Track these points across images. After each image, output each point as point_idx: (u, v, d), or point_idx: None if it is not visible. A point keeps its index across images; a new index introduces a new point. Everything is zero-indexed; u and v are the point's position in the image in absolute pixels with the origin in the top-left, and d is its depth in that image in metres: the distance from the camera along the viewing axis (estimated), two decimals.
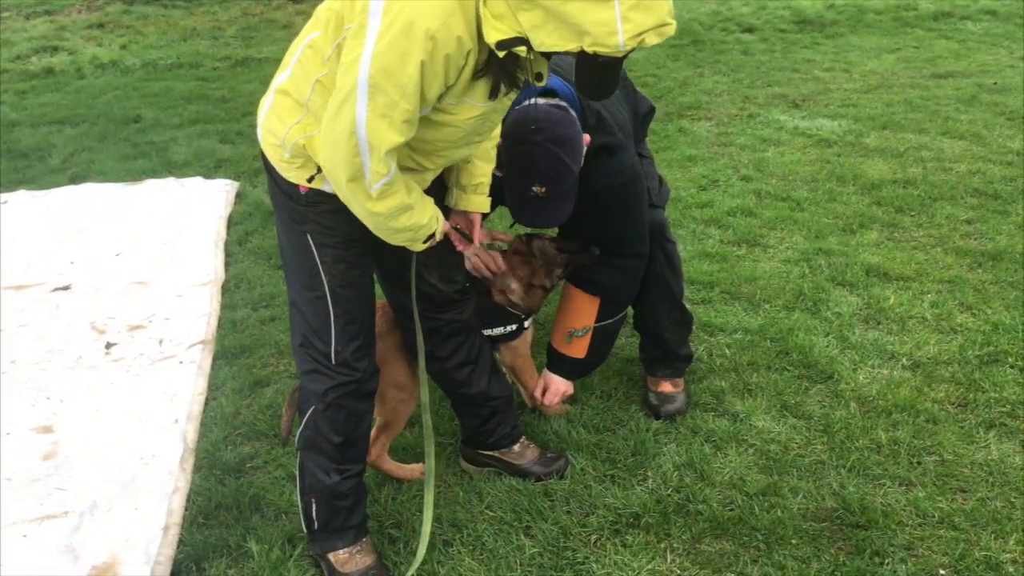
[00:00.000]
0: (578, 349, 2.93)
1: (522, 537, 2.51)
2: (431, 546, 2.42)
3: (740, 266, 4.05)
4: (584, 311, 2.89)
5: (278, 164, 2.12)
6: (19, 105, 7.47)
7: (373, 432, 2.54)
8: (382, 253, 2.29)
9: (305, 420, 2.34)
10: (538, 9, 1.71)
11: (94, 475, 2.82)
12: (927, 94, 6.86)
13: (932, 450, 2.80)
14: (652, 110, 3.03)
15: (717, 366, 3.29)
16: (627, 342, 3.45)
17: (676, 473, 2.73)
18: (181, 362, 3.44)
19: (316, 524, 2.39)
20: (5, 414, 3.14)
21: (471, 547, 2.49)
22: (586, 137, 2.52)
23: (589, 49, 1.72)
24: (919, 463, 2.75)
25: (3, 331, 3.71)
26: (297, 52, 2.07)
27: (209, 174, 5.56)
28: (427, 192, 2.19)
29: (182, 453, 2.90)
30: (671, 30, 1.73)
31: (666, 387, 3.07)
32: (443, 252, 2.37)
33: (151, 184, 5.39)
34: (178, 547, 2.54)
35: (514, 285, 2.83)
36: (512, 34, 1.77)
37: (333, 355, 2.26)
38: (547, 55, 1.87)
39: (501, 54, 1.82)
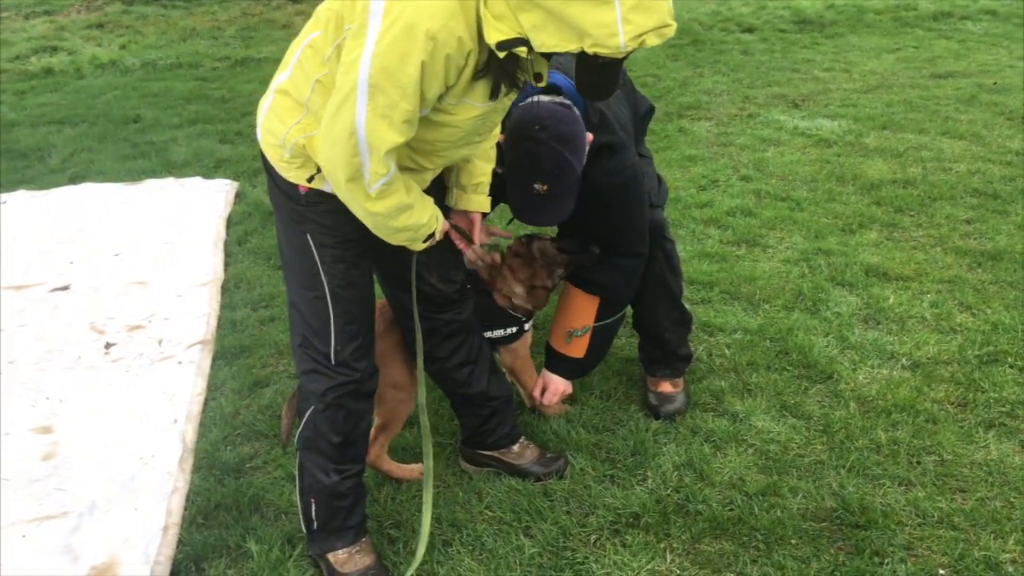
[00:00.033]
0: (577, 349, 2.93)
1: (521, 537, 2.51)
2: (430, 546, 2.42)
3: (740, 266, 4.05)
4: (583, 311, 2.89)
5: (278, 164, 2.12)
6: (18, 105, 7.46)
7: (372, 432, 2.54)
8: (382, 253, 2.29)
9: (304, 420, 2.34)
10: (539, 10, 1.71)
11: (93, 475, 2.82)
12: (927, 94, 6.86)
13: (932, 450, 2.80)
14: (652, 109, 3.03)
15: (716, 366, 3.29)
16: (626, 342, 3.45)
17: (676, 473, 2.73)
18: (180, 362, 3.44)
19: (315, 524, 2.39)
20: (4, 414, 3.14)
21: (470, 547, 2.48)
22: (588, 136, 2.52)
23: (590, 50, 1.72)
24: (919, 463, 2.75)
25: (3, 331, 3.71)
26: (297, 52, 2.07)
27: (208, 174, 5.56)
28: (427, 192, 2.19)
29: (181, 453, 2.90)
30: (671, 31, 1.74)
31: (666, 387, 3.07)
32: (443, 252, 2.37)
33: (150, 184, 5.39)
34: (177, 547, 2.54)
35: (517, 289, 2.83)
36: (513, 35, 1.77)
37: (332, 355, 2.26)
38: (547, 56, 1.87)
39: (501, 55, 1.82)
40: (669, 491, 2.66)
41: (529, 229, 3.79)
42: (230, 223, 4.81)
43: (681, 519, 2.54)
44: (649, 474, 2.74)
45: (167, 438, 2.98)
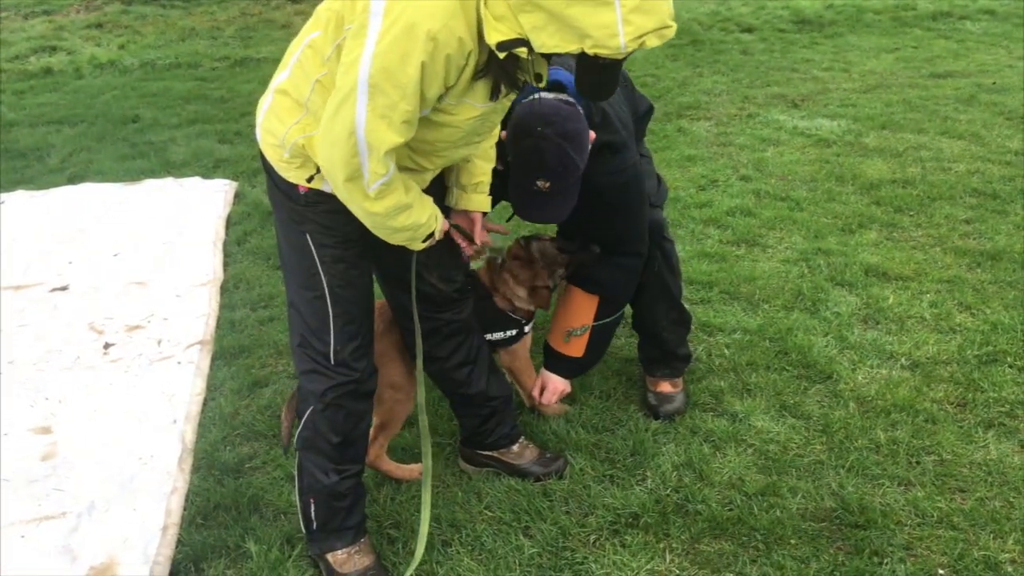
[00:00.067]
0: (576, 348, 2.93)
1: (521, 537, 2.51)
2: (430, 546, 2.42)
3: (739, 266, 4.05)
4: (583, 310, 2.89)
5: (277, 164, 2.12)
6: (17, 105, 7.46)
7: (371, 432, 2.54)
8: (381, 253, 2.28)
9: (304, 420, 2.33)
10: (539, 11, 1.71)
11: (92, 475, 2.82)
12: (926, 94, 6.86)
13: (931, 450, 2.80)
14: (651, 109, 3.03)
15: (716, 366, 3.29)
16: (626, 342, 3.45)
17: (675, 473, 2.73)
18: (179, 362, 3.43)
19: (315, 524, 2.39)
20: (4, 414, 3.14)
21: (470, 547, 2.48)
22: (591, 134, 2.52)
23: (590, 51, 1.72)
24: (918, 463, 2.75)
25: (2, 331, 3.71)
26: (296, 52, 2.06)
27: (208, 174, 5.56)
28: (427, 191, 2.19)
29: (180, 453, 2.90)
30: (671, 32, 1.74)
31: (665, 387, 3.07)
32: (442, 252, 2.37)
33: (150, 184, 5.39)
34: (176, 547, 2.54)
35: (519, 291, 2.83)
36: (513, 35, 1.77)
37: (332, 355, 2.26)
38: (547, 56, 1.87)
39: (502, 55, 1.82)
40: (668, 491, 2.66)
41: (528, 228, 3.80)
42: (229, 223, 4.81)
43: (680, 519, 2.54)
44: (648, 474, 2.74)
45: (166, 438, 2.98)
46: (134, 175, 5.59)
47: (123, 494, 2.73)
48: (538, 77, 1.94)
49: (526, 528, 2.55)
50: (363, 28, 1.80)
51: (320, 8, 2.03)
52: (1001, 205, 4.64)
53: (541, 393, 2.98)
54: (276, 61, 2.18)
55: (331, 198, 2.07)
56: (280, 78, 2.10)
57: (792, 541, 2.46)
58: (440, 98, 1.93)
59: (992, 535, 2.45)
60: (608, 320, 2.91)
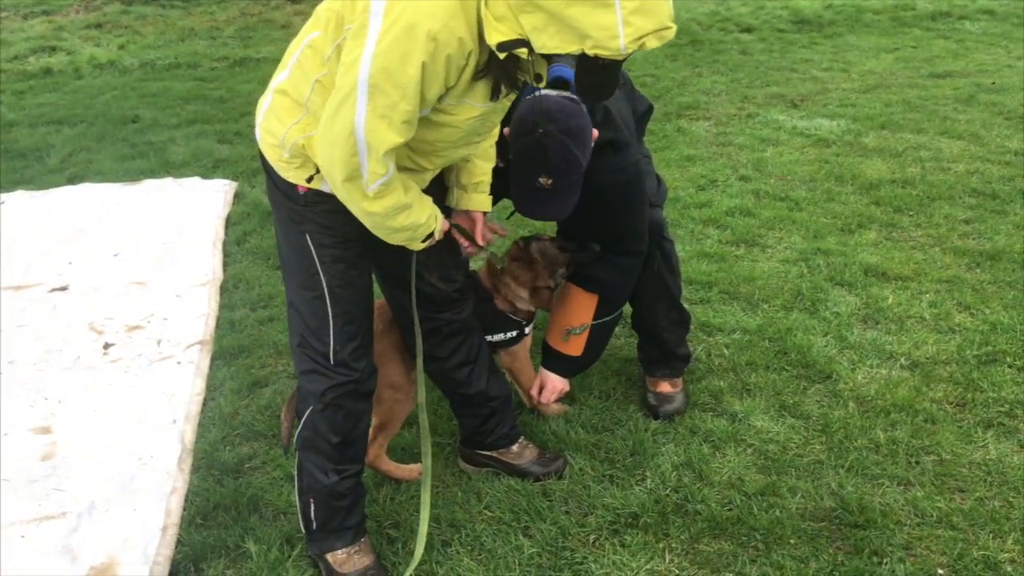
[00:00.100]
0: (575, 347, 2.93)
1: (520, 537, 2.51)
2: (429, 546, 2.42)
3: (738, 266, 4.05)
4: (582, 309, 2.89)
5: (277, 164, 2.12)
6: (17, 105, 7.46)
7: (370, 432, 2.54)
8: (381, 253, 2.28)
9: (303, 420, 2.33)
10: (540, 12, 1.71)
11: (92, 476, 2.82)
12: (925, 94, 6.87)
13: (930, 450, 2.80)
14: (650, 109, 3.03)
15: (715, 366, 3.29)
16: (625, 342, 3.45)
17: (675, 473, 2.73)
18: (179, 362, 3.43)
19: (314, 524, 2.39)
20: (4, 414, 3.14)
21: (469, 547, 2.48)
22: (594, 132, 2.52)
23: (590, 52, 1.72)
24: (917, 463, 2.75)
25: (2, 331, 3.71)
26: (296, 52, 2.06)
27: (207, 174, 5.56)
28: (426, 191, 2.19)
29: (180, 453, 2.90)
30: (671, 33, 1.74)
31: (664, 387, 3.07)
32: (442, 251, 2.37)
33: (149, 184, 5.39)
34: (176, 547, 2.54)
35: (522, 292, 2.83)
36: (513, 36, 1.77)
37: (331, 355, 2.26)
38: (548, 57, 1.87)
39: (502, 56, 1.82)
40: (668, 491, 2.66)
41: (527, 228, 3.80)
42: (229, 223, 4.81)
43: (680, 519, 2.54)
44: (648, 474, 2.74)
45: (166, 438, 2.98)
46: (134, 175, 5.59)
47: (123, 494, 2.73)
48: (538, 77, 1.94)
49: (526, 528, 2.55)
50: (363, 28, 1.80)
51: (320, 8, 2.03)
52: (1000, 205, 4.64)
53: (540, 392, 2.98)
54: (275, 61, 2.19)
55: (331, 198, 2.07)
56: (280, 78, 2.10)
57: (792, 541, 2.46)
58: (440, 98, 1.93)
59: (991, 535, 2.45)
60: (607, 319, 2.91)
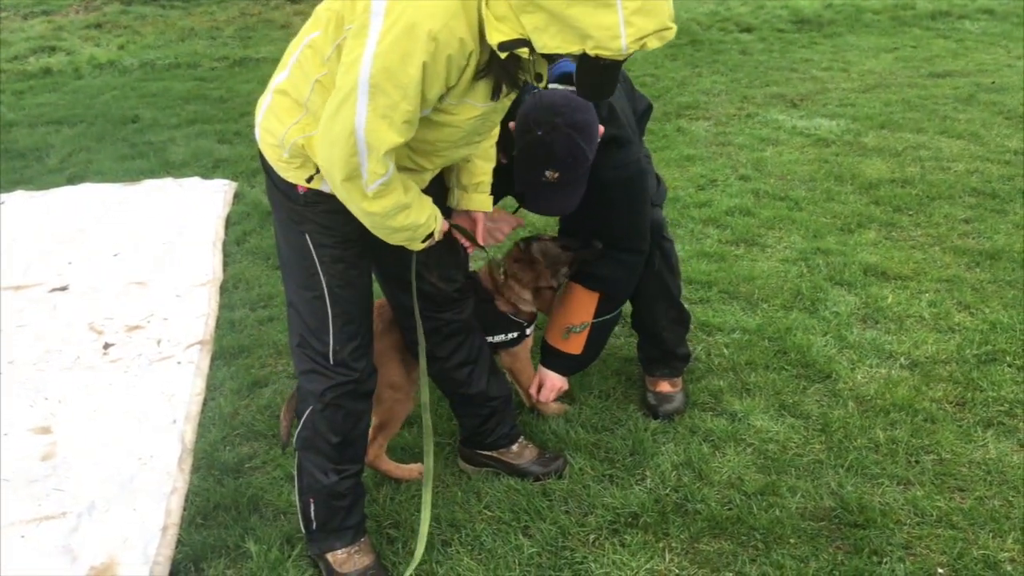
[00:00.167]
0: (575, 345, 2.93)
1: (520, 537, 2.51)
2: (429, 546, 2.42)
3: (738, 265, 4.05)
4: (583, 307, 2.88)
5: (276, 164, 2.12)
6: (17, 105, 7.46)
7: (370, 432, 2.54)
8: (381, 253, 2.28)
9: (303, 420, 2.33)
10: (541, 12, 1.71)
11: (92, 476, 2.82)
12: (925, 93, 6.87)
13: (930, 449, 2.80)
14: (650, 108, 3.03)
15: (715, 365, 3.29)
16: (625, 342, 3.45)
17: (674, 472, 2.73)
18: (179, 362, 3.43)
19: (314, 524, 2.39)
20: (4, 414, 3.14)
21: (469, 547, 2.49)
22: (600, 128, 2.53)
23: (591, 52, 1.73)
24: (917, 462, 2.76)
25: (2, 331, 3.71)
26: (296, 52, 2.06)
27: (207, 174, 5.56)
28: (427, 192, 2.19)
29: (180, 453, 2.90)
30: (672, 34, 1.74)
31: (664, 387, 3.07)
32: (443, 251, 2.37)
33: (149, 184, 5.39)
34: (176, 547, 2.54)
35: (525, 294, 2.83)
36: (514, 36, 1.78)
37: (331, 355, 2.26)
38: (549, 56, 1.87)
39: (503, 55, 1.82)
40: (668, 490, 2.66)
41: (527, 226, 3.80)
42: (229, 223, 4.82)
43: (680, 518, 2.55)
44: (648, 473, 2.74)
45: (166, 438, 2.98)
46: (134, 175, 5.59)
47: (123, 494, 2.73)
48: (538, 77, 1.95)
49: (526, 528, 2.55)
50: (364, 28, 1.80)
51: (319, 8, 2.03)
52: (1000, 204, 4.65)
53: (539, 391, 2.98)
54: (275, 61, 2.18)
55: (330, 198, 2.07)
56: (279, 78, 2.10)
57: (791, 540, 2.46)
58: (441, 98, 1.93)
59: (991, 534, 2.45)
60: (607, 317, 2.92)
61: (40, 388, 3.30)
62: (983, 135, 5.78)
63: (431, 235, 2.18)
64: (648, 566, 2.38)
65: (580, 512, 2.60)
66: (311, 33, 2.03)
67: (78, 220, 4.83)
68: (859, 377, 3.18)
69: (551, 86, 2.49)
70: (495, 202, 2.50)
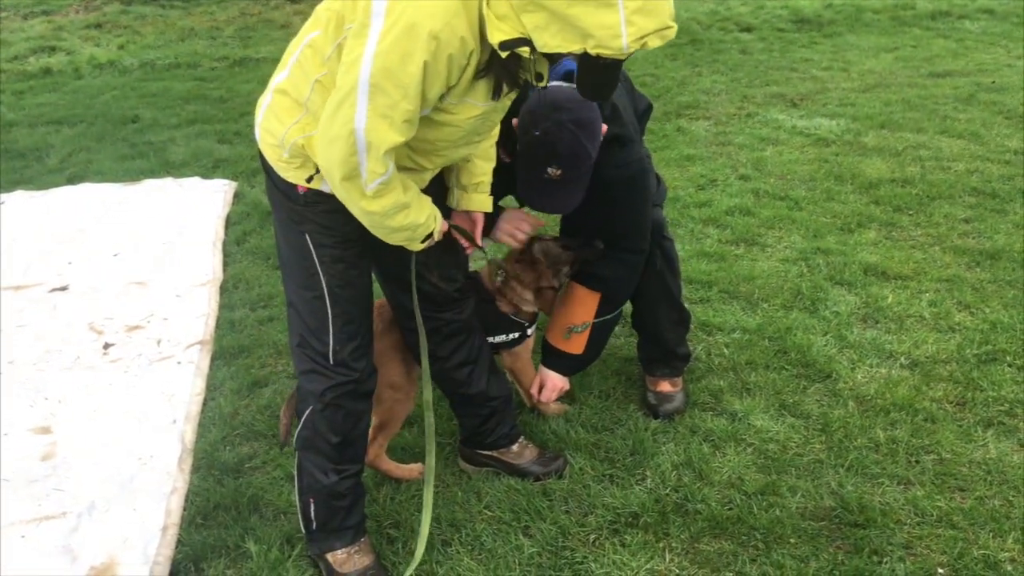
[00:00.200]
0: (576, 345, 2.92)
1: (521, 537, 2.51)
2: (429, 546, 2.41)
3: (738, 265, 4.05)
4: (584, 307, 2.88)
5: (276, 164, 2.12)
6: (17, 105, 7.46)
7: (370, 432, 2.54)
8: (381, 253, 2.28)
9: (303, 420, 2.33)
10: (542, 11, 1.71)
11: (92, 476, 2.82)
12: (925, 93, 6.86)
13: (930, 449, 2.80)
14: (649, 108, 3.03)
15: (715, 365, 3.29)
16: (625, 341, 3.45)
17: (675, 472, 2.73)
18: (179, 362, 3.43)
19: (314, 524, 2.39)
20: (4, 414, 3.14)
21: (470, 547, 2.48)
22: (603, 126, 2.52)
23: (592, 51, 1.72)
24: (917, 462, 2.75)
25: (2, 332, 3.71)
26: (296, 52, 2.06)
27: (207, 174, 5.56)
28: (426, 191, 2.19)
29: (180, 453, 2.90)
30: (672, 33, 1.74)
31: (664, 386, 3.07)
32: (443, 251, 2.37)
33: (149, 184, 5.39)
34: (176, 547, 2.54)
35: (527, 295, 2.83)
36: (515, 35, 1.77)
37: (331, 355, 2.26)
38: (549, 55, 1.87)
39: (504, 55, 1.82)
40: (668, 490, 2.66)
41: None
42: (229, 223, 4.81)
43: (680, 518, 2.54)
44: (648, 473, 2.74)
45: (166, 438, 2.98)
46: (134, 175, 5.59)
47: (123, 494, 2.73)
48: (539, 76, 1.95)
49: (526, 528, 2.55)
50: (364, 28, 1.80)
51: (319, 8, 2.03)
52: (1000, 204, 4.64)
53: (540, 391, 2.98)
54: (275, 61, 2.18)
55: (330, 198, 2.06)
56: (279, 78, 2.10)
57: (792, 540, 2.46)
58: (441, 97, 1.93)
59: (992, 534, 2.45)
60: (608, 317, 2.91)
61: (40, 388, 3.30)
62: (983, 135, 5.78)
63: (430, 235, 2.18)
64: (648, 566, 2.38)
65: (580, 512, 2.60)
66: (311, 33, 2.03)
67: (78, 220, 4.83)
68: (859, 377, 3.18)
69: (556, 83, 2.49)
70: (496, 201, 2.50)
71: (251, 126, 2.94)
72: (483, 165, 2.38)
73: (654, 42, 1.72)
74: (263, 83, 2.25)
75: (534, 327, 2.94)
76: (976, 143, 5.64)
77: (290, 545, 2.51)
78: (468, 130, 2.07)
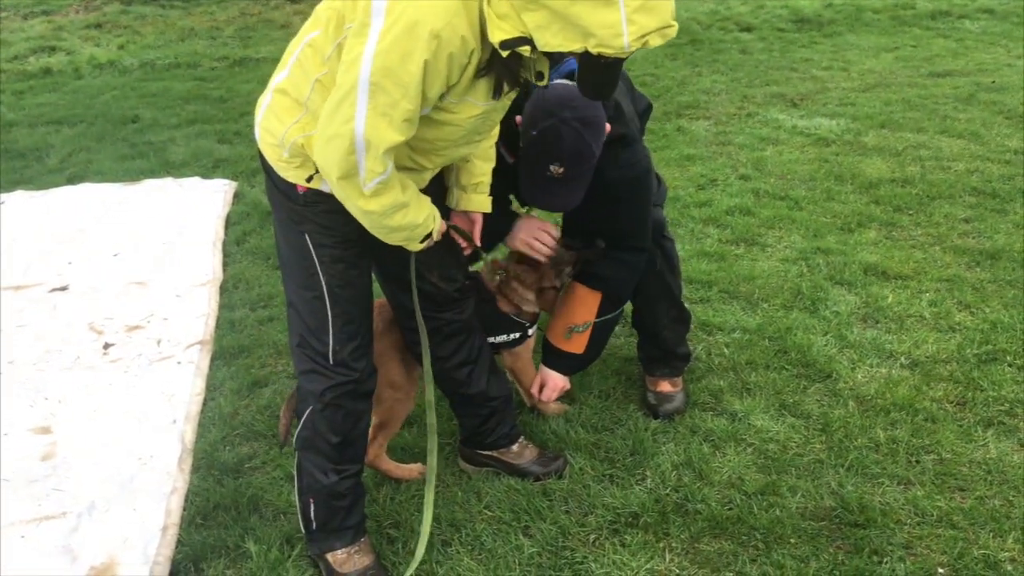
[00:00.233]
0: (577, 344, 2.92)
1: (521, 537, 2.51)
2: (430, 546, 2.41)
3: (738, 265, 4.05)
4: (586, 307, 2.88)
5: (276, 164, 2.12)
6: (17, 105, 7.46)
7: (370, 432, 2.54)
8: (381, 252, 2.28)
9: (303, 420, 2.33)
10: (543, 10, 1.71)
11: (92, 476, 2.82)
12: (925, 93, 6.86)
13: (931, 449, 2.80)
14: (649, 107, 3.03)
15: (715, 365, 3.29)
16: (625, 341, 3.45)
17: (675, 472, 2.73)
18: (179, 362, 3.43)
19: (314, 524, 2.39)
20: (4, 414, 3.14)
21: (470, 547, 2.48)
22: (607, 126, 2.52)
23: (594, 50, 1.72)
24: (918, 462, 2.75)
25: (2, 331, 3.71)
26: (296, 52, 2.06)
27: (207, 174, 5.56)
28: (425, 192, 2.19)
29: (180, 453, 2.90)
30: (673, 32, 1.74)
31: (664, 386, 3.07)
32: (443, 251, 2.37)
33: (149, 184, 5.39)
34: (176, 547, 2.54)
35: (528, 295, 2.82)
36: (516, 34, 1.77)
37: (331, 355, 2.26)
38: (551, 54, 1.87)
39: (505, 54, 1.82)
40: (668, 490, 2.66)
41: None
42: (228, 223, 4.81)
43: (680, 518, 2.54)
44: (648, 473, 2.74)
45: (166, 438, 2.98)
46: (134, 175, 5.59)
47: (123, 494, 2.73)
48: (539, 75, 1.94)
49: (526, 528, 2.55)
50: (365, 27, 1.80)
51: (320, 8, 2.03)
52: (1000, 204, 4.64)
53: (540, 390, 2.97)
54: (275, 61, 2.18)
55: (330, 198, 2.06)
56: (279, 77, 2.10)
57: (792, 540, 2.46)
58: (442, 97, 1.93)
59: (992, 534, 2.45)
60: (609, 316, 2.91)
61: (40, 388, 3.30)
62: (983, 134, 5.78)
63: (429, 235, 2.18)
64: (648, 566, 2.38)
65: (580, 512, 2.60)
66: (311, 32, 2.02)
67: (78, 220, 4.83)
68: (859, 377, 3.18)
69: (561, 81, 2.49)
70: (495, 202, 2.49)
71: (251, 126, 2.94)
72: (482, 165, 2.38)
73: (655, 41, 1.72)
74: (263, 83, 2.25)
75: (535, 327, 2.94)
76: (976, 143, 5.64)
77: (290, 545, 2.51)
78: (468, 129, 2.06)
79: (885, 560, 2.37)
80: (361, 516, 2.45)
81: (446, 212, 2.39)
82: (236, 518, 2.63)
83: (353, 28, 1.84)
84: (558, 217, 3.03)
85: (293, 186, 2.11)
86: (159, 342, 3.59)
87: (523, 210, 2.95)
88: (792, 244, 4.27)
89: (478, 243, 2.46)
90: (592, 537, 2.50)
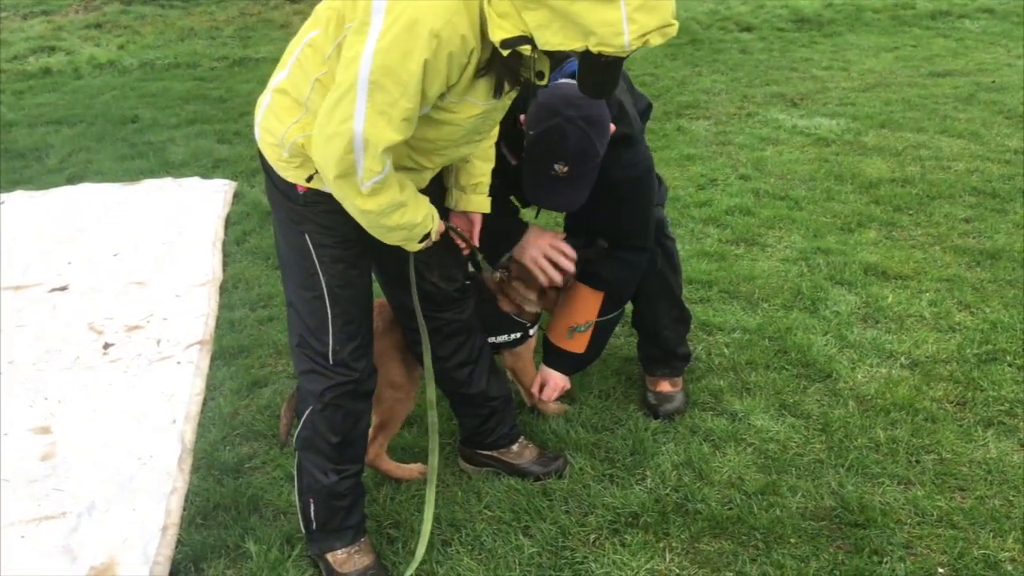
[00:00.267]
0: (578, 344, 2.92)
1: (521, 537, 2.50)
2: (430, 546, 2.41)
3: (738, 265, 4.05)
4: (587, 306, 2.88)
5: (276, 163, 2.12)
6: (16, 105, 7.46)
7: (370, 432, 2.54)
8: (381, 253, 2.28)
9: (303, 420, 2.33)
10: (544, 9, 1.71)
11: (92, 476, 2.82)
12: (925, 93, 6.86)
13: (931, 449, 2.80)
14: (649, 107, 3.03)
15: (715, 365, 3.29)
16: (625, 341, 3.45)
17: (675, 472, 2.73)
18: (179, 362, 3.43)
19: (314, 524, 2.39)
20: (4, 414, 3.14)
21: (470, 547, 2.48)
22: (612, 126, 2.52)
23: (594, 49, 1.72)
24: (918, 462, 2.75)
25: (2, 331, 3.71)
26: (296, 51, 2.06)
27: (207, 174, 5.56)
28: (425, 192, 2.18)
29: (180, 453, 2.90)
30: (674, 31, 1.74)
31: (664, 386, 3.07)
32: (443, 251, 2.37)
33: (149, 184, 5.38)
34: (176, 547, 2.54)
35: (531, 295, 2.82)
36: (516, 33, 1.77)
37: (331, 355, 2.26)
38: (550, 54, 1.87)
39: (505, 53, 1.82)
40: (668, 490, 2.66)
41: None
42: (228, 223, 4.81)
43: (680, 518, 2.54)
44: (648, 473, 2.74)
45: (166, 438, 2.98)
46: (133, 175, 5.59)
47: (123, 494, 2.73)
48: (539, 74, 1.94)
49: (526, 528, 2.55)
50: (364, 26, 1.80)
51: (319, 7, 2.03)
52: (1000, 204, 4.64)
53: (540, 390, 2.97)
54: (275, 61, 2.18)
55: (330, 198, 2.06)
56: (279, 77, 2.09)
57: (792, 540, 2.46)
58: (442, 96, 1.92)
59: (992, 534, 2.45)
60: (611, 316, 2.91)
61: (40, 388, 3.30)
62: (983, 134, 5.78)
63: (428, 235, 2.18)
64: (648, 566, 2.38)
65: (580, 512, 2.60)
66: (311, 32, 2.02)
67: (78, 220, 4.82)
68: (859, 376, 3.18)
69: (565, 80, 2.48)
70: (495, 203, 2.49)
71: (251, 126, 2.94)
72: (482, 166, 2.38)
73: (656, 40, 1.72)
74: (263, 83, 2.25)
75: (536, 327, 2.93)
76: (976, 143, 5.64)
77: (290, 545, 2.51)
78: (469, 129, 2.06)
79: (885, 560, 2.37)
80: (361, 516, 2.45)
81: (445, 213, 2.39)
82: (236, 518, 2.63)
83: (353, 27, 1.84)
84: (560, 217, 3.03)
85: (293, 186, 2.11)
86: (159, 342, 3.59)
87: (526, 209, 2.94)
88: (792, 244, 4.27)
89: (476, 244, 2.45)
90: (592, 537, 2.50)
